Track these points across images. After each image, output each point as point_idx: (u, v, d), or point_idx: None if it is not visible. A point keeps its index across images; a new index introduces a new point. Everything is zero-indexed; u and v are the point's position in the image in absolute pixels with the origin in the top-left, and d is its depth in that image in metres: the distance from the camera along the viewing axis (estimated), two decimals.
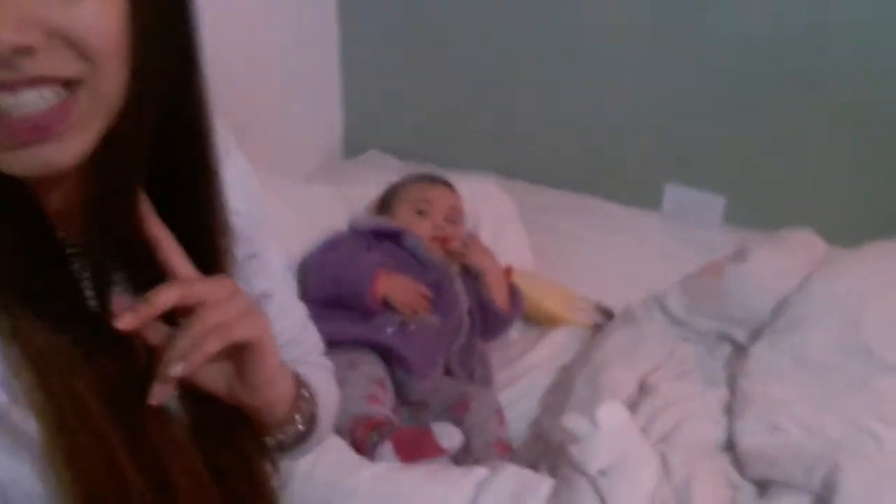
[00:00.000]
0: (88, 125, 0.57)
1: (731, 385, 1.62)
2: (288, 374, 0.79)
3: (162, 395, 0.63)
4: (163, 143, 0.64)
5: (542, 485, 1.26)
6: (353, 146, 2.61)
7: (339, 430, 1.40)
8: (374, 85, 2.55)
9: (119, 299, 0.64)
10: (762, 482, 1.40)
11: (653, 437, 1.47)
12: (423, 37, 2.44)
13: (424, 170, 2.37)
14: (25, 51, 0.51)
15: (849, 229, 1.86)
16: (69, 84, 0.54)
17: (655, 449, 1.38)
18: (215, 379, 0.70)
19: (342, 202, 1.99)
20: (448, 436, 1.40)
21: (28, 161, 0.55)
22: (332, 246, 1.75)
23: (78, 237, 0.65)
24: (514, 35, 2.34)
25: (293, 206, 1.82)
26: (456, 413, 1.53)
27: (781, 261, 1.76)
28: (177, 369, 0.62)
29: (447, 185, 1.97)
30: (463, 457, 1.47)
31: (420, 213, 1.88)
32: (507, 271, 1.90)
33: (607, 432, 1.33)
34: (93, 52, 0.54)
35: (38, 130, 0.54)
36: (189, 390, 0.70)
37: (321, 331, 1.59)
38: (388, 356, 1.58)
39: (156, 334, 0.65)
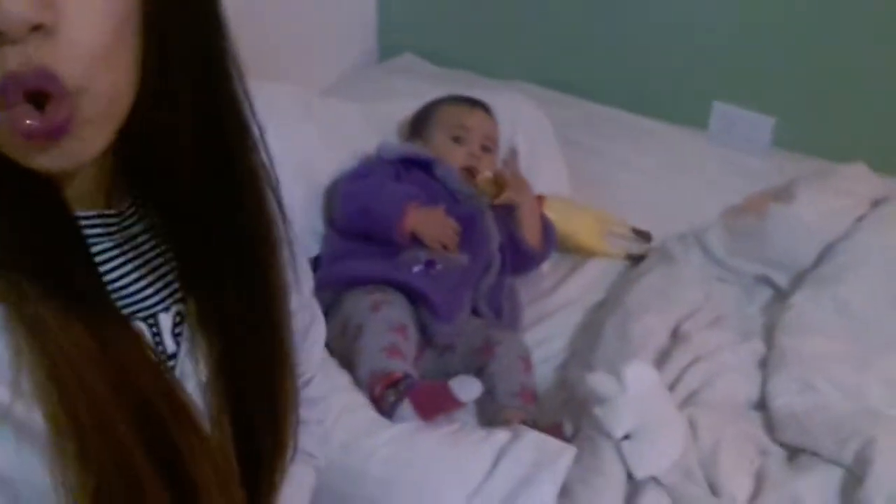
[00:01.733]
0: (99, 122, 0.56)
1: (768, 336, 1.56)
2: None
3: None
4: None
5: (564, 454, 1.23)
6: (389, 48, 2.51)
7: (359, 384, 1.38)
8: None
9: None
10: (793, 448, 1.36)
11: (682, 393, 1.43)
12: None
13: (461, 78, 2.28)
14: (40, 29, 0.50)
15: None
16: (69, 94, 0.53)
17: (683, 413, 1.35)
18: None
19: (372, 121, 1.90)
20: (467, 388, 1.37)
21: (54, 159, 0.55)
22: (360, 174, 1.69)
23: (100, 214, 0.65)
24: None
25: (321, 125, 1.76)
26: (481, 358, 1.50)
27: (830, 203, 1.68)
28: None
29: (486, 109, 1.87)
30: (487, 404, 1.44)
31: (456, 139, 1.79)
32: (540, 200, 1.83)
33: (634, 395, 1.30)
34: (100, 37, 0.53)
35: (52, 133, 0.53)
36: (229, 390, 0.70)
37: (346, 268, 1.58)
38: (413, 297, 1.53)
39: None
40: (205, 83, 0.63)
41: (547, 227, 1.79)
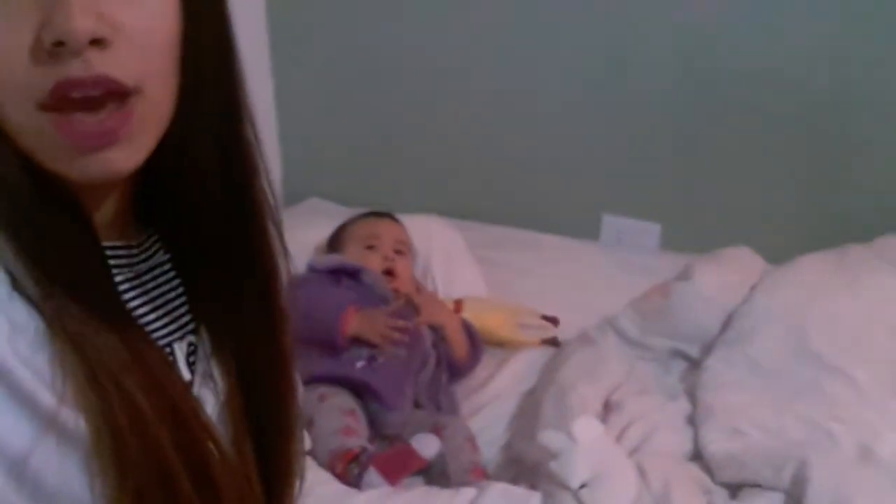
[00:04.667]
0: (146, 131, 0.59)
1: (691, 397, 1.68)
2: None
3: None
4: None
5: (531, 499, 1.28)
6: (294, 194, 2.62)
7: (320, 465, 1.41)
8: (311, 131, 2.57)
9: None
10: (733, 485, 1.45)
11: (625, 449, 1.51)
12: (358, 80, 2.49)
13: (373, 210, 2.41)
14: (99, 42, 0.54)
15: (781, 248, 1.96)
16: (125, 94, 0.56)
17: (632, 459, 1.43)
18: None
19: (293, 246, 1.99)
20: (427, 444, 1.42)
21: (95, 166, 0.57)
22: (296, 285, 1.75)
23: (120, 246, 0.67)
24: (447, 76, 2.40)
25: None
26: None
27: (725, 276, 1.85)
28: None
29: (393, 218, 2.03)
30: (441, 484, 1.48)
31: (369, 247, 1.91)
32: (458, 304, 1.95)
33: (585, 445, 1.37)
34: (151, 50, 0.57)
35: (104, 135, 0.56)
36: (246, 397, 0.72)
37: None
38: (359, 390, 1.59)
39: None
40: (227, 116, 0.68)
41: (473, 338, 1.89)
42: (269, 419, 0.77)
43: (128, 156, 0.59)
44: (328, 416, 1.47)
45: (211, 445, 0.67)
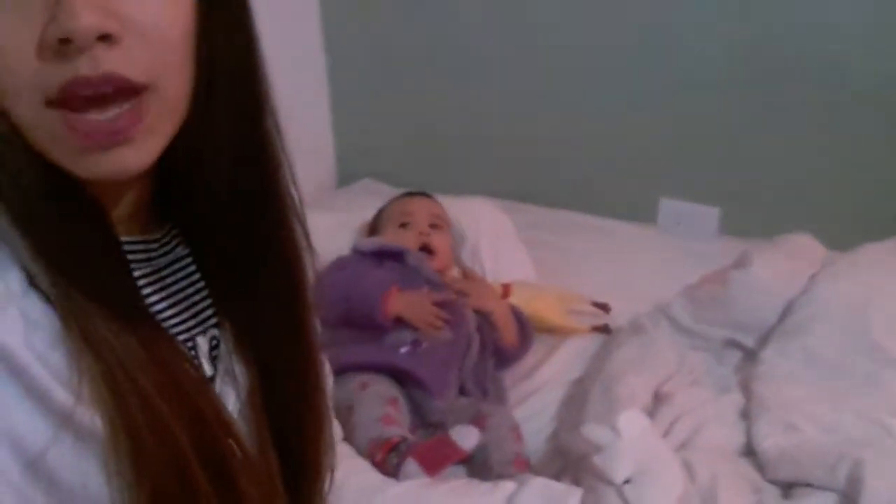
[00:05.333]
0: (159, 128, 0.58)
1: (745, 390, 1.62)
2: None
3: None
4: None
5: (571, 496, 1.25)
6: (347, 175, 2.62)
7: (359, 454, 1.40)
8: (365, 112, 2.56)
9: None
10: (785, 484, 1.40)
11: (672, 444, 1.47)
12: (412, 61, 2.46)
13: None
14: (107, 38, 0.52)
15: (844, 235, 1.88)
16: (137, 91, 0.55)
17: (678, 454, 1.39)
18: None
19: (342, 229, 2.00)
20: (467, 436, 1.40)
21: (104, 165, 0.56)
22: (340, 266, 1.76)
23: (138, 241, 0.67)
24: (505, 56, 2.36)
25: None
26: None
27: (784, 264, 1.78)
28: None
29: (425, 195, 2.02)
30: (483, 474, 1.46)
31: (403, 225, 1.90)
32: (506, 289, 1.91)
33: (629, 440, 1.33)
34: (163, 45, 0.56)
35: (114, 134, 0.55)
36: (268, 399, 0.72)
37: (332, 357, 1.60)
38: (402, 377, 1.57)
39: None
40: (246, 109, 0.67)
41: (523, 325, 1.86)
42: (293, 415, 0.76)
43: (139, 155, 0.58)
44: (369, 405, 1.46)
45: (231, 443, 0.67)
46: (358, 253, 1.82)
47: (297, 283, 0.75)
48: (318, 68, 2.50)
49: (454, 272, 1.94)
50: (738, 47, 2.13)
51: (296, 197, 0.74)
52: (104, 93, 0.54)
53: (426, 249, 1.84)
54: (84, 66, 0.53)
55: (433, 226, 1.91)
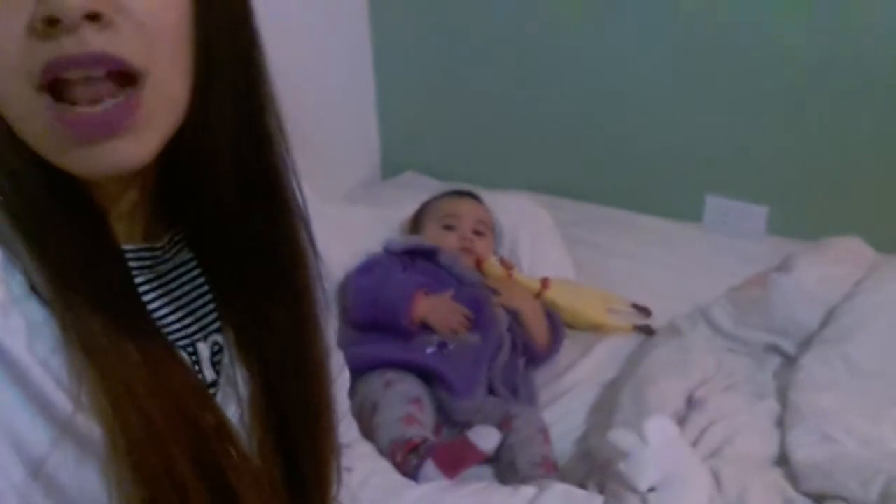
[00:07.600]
0: (156, 122, 0.57)
1: (782, 397, 1.58)
2: None
3: None
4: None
5: (592, 503, 1.24)
6: (392, 167, 2.61)
7: (381, 453, 1.40)
8: (411, 105, 2.56)
9: None
10: (817, 496, 1.36)
11: (703, 451, 1.44)
12: (457, 56, 2.44)
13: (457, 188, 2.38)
14: (95, 18, 0.51)
15: (894, 238, 1.82)
16: (132, 78, 0.54)
17: (707, 463, 1.36)
18: None
19: (379, 224, 1.99)
20: (486, 437, 1.39)
21: (98, 158, 0.55)
22: (366, 269, 1.75)
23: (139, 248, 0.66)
24: (548, 51, 2.33)
25: (330, 227, 1.82)
26: (500, 432, 1.51)
27: (828, 269, 1.73)
28: None
29: (474, 197, 1.98)
30: (509, 476, 1.45)
31: (447, 227, 1.88)
32: (544, 283, 1.89)
33: (656, 447, 1.31)
34: (157, 30, 0.54)
35: (105, 125, 0.54)
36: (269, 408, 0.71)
37: (359, 354, 1.60)
38: (429, 377, 1.56)
39: None
40: (247, 110, 0.65)
41: (554, 324, 1.83)
42: (297, 422, 0.75)
43: (136, 148, 0.56)
44: (392, 404, 1.45)
45: (231, 449, 0.66)
46: (388, 252, 1.82)
47: (302, 288, 0.74)
48: (365, 60, 2.49)
49: (493, 260, 1.91)
50: (792, 48, 2.07)
51: (300, 200, 0.72)
52: (93, 76, 0.53)
53: (470, 255, 1.84)
54: (70, 45, 0.51)
55: (477, 232, 1.89)
